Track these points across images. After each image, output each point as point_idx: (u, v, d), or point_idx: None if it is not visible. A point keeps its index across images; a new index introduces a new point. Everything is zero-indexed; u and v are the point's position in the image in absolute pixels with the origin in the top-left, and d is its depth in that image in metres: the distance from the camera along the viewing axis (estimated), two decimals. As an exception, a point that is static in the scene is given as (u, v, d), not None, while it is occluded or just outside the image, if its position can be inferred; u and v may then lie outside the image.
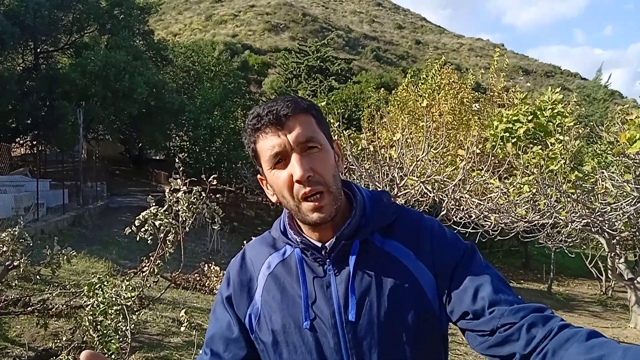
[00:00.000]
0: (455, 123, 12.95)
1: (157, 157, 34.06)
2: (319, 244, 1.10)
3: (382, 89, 23.64)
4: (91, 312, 3.21)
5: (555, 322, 0.93)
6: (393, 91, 18.81)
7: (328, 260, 1.10)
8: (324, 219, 1.05)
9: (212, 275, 7.78)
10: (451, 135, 11.83)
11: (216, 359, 1.13)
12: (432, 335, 1.09)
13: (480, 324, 0.99)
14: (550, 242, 8.59)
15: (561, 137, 8.53)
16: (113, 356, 2.94)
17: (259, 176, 1.18)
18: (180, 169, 5.29)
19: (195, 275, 7.96)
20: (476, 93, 16.14)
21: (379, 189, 1.18)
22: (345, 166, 8.29)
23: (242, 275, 1.17)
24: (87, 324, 3.16)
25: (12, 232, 5.85)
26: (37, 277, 5.68)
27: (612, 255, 9.49)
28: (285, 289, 1.11)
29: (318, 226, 1.09)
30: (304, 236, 1.12)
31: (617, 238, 9.22)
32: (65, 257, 5.76)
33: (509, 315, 0.96)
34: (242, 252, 1.22)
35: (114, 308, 3.29)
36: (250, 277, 1.16)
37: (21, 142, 25.33)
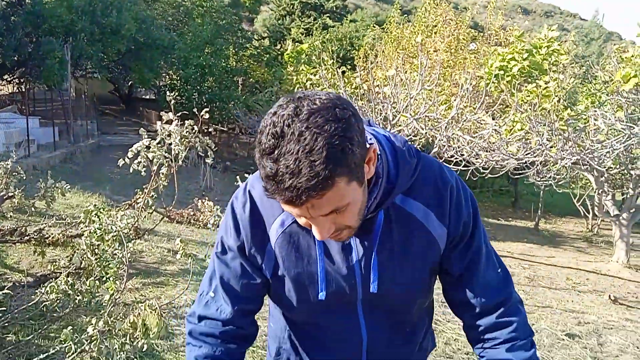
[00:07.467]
0: (451, 62, 12.78)
1: (147, 97, 33.51)
2: None
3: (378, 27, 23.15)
4: (88, 237, 3.28)
5: (504, 332, 1.09)
6: (385, 25, 18.38)
7: None
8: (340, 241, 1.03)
9: (206, 210, 7.85)
10: (446, 74, 11.70)
11: (231, 296, 1.11)
12: (431, 289, 1.16)
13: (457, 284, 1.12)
14: (539, 180, 8.71)
15: (556, 75, 8.47)
16: (111, 279, 3.02)
17: None
18: (172, 102, 5.25)
19: (189, 210, 8.04)
20: (473, 31, 15.83)
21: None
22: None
23: (255, 227, 1.07)
24: (85, 247, 3.23)
25: (4, 165, 5.86)
26: (32, 209, 5.74)
27: (600, 192, 9.66)
28: (300, 248, 1.06)
29: None
30: None
31: (606, 175, 9.36)
32: (60, 190, 5.81)
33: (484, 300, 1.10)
34: (249, 200, 1.08)
35: (110, 235, 3.36)
36: (263, 229, 1.07)
37: (8, 79, 24.76)
